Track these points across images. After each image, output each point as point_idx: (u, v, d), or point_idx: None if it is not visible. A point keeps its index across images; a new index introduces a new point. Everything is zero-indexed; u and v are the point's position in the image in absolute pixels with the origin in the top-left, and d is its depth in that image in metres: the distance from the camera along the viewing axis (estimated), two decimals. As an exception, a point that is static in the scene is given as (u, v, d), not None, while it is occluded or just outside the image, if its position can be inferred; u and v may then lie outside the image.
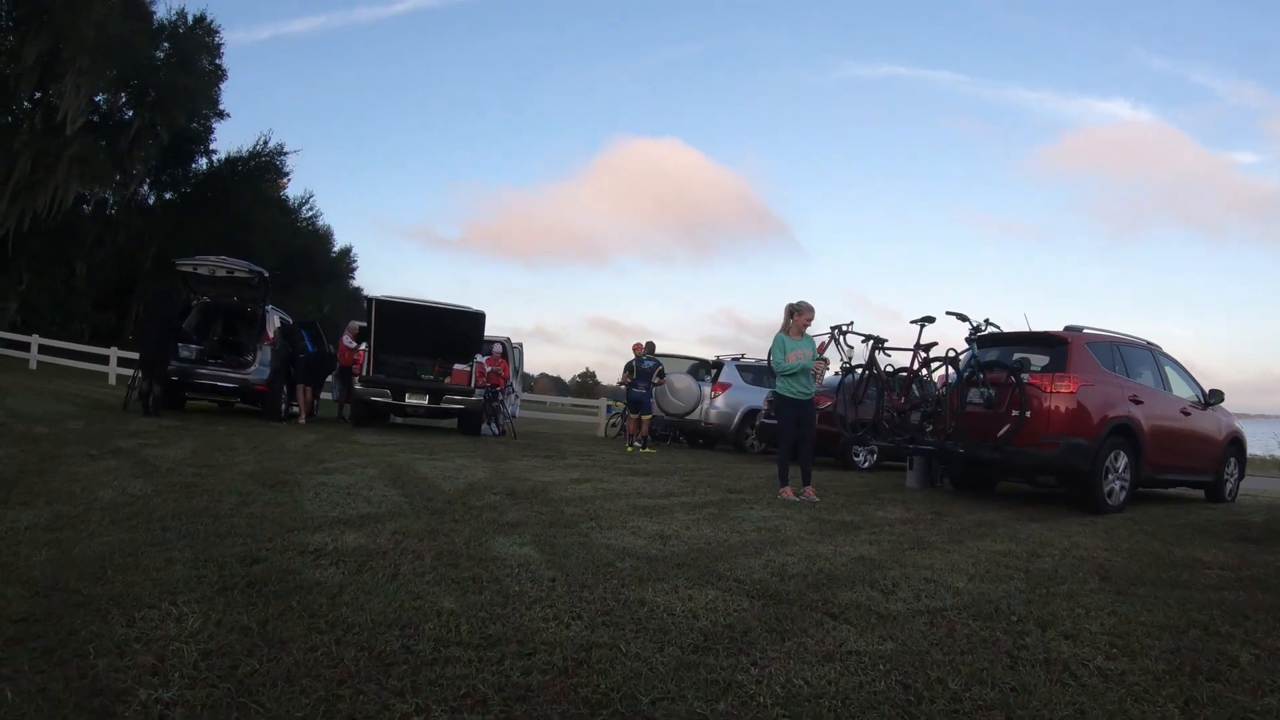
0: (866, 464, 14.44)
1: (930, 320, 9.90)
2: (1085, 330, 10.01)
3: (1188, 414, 10.93)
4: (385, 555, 4.89)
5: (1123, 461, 9.48)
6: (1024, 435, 8.93)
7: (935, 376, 10.47)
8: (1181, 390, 11.15)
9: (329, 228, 51.58)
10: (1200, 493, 12.26)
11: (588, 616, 3.97)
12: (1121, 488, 9.51)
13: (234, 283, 15.35)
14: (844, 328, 10.43)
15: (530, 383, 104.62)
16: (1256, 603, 5.19)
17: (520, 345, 21.06)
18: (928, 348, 10.07)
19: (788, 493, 8.75)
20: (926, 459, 10.90)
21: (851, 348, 10.39)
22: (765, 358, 13.79)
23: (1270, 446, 26.82)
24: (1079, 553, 6.54)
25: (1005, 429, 9.01)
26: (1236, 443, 12.29)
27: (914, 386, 10.40)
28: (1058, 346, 9.60)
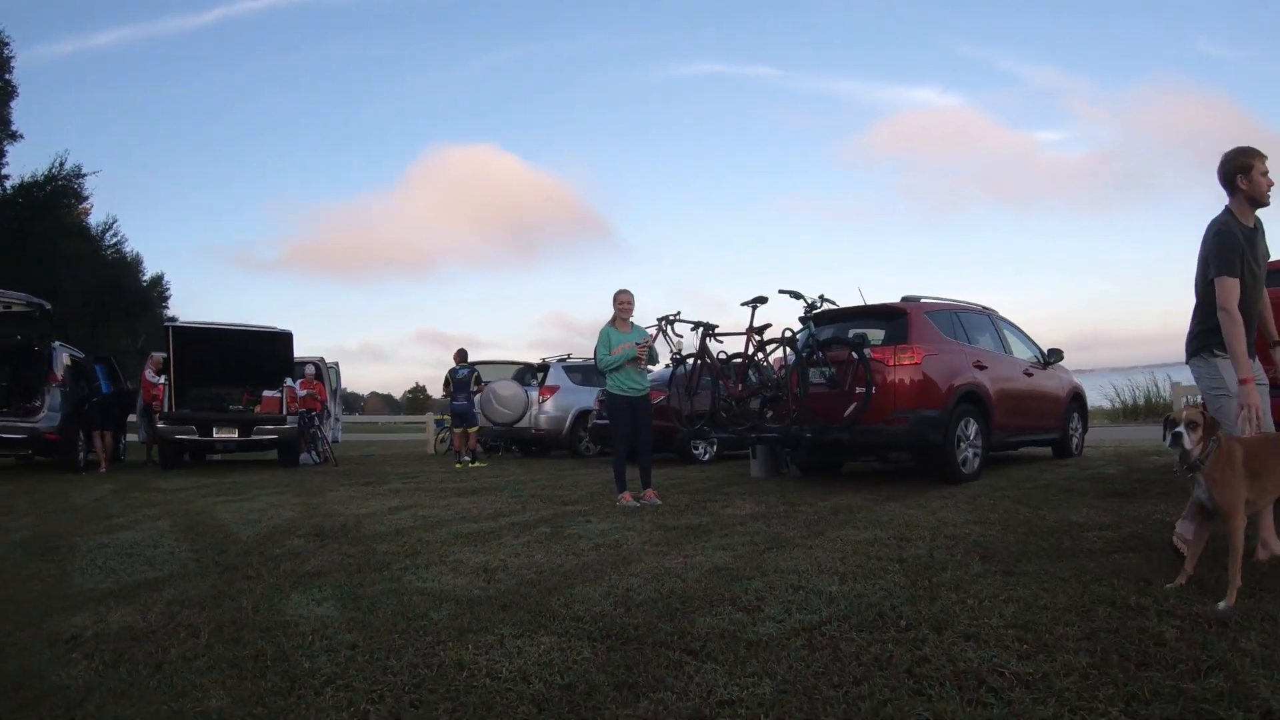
0: (707, 456, 13.92)
1: (762, 301, 9.36)
2: (922, 300, 9.72)
3: (1030, 375, 10.82)
4: (154, 636, 4.01)
5: (973, 428, 9.19)
6: (871, 412, 8.50)
7: (772, 359, 9.90)
8: (1021, 352, 11.03)
9: (138, 255, 48.46)
10: (1048, 450, 12.25)
11: (391, 697, 3.14)
12: (975, 455, 9.22)
13: (12, 318, 13.86)
14: (671, 318, 9.80)
15: (360, 403, 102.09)
16: (1152, 564, 4.77)
17: (336, 365, 19.93)
18: (761, 330, 9.52)
19: (627, 498, 8.12)
20: (770, 447, 10.39)
21: (680, 337, 9.79)
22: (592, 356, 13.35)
23: (1096, 399, 27.70)
24: (950, 531, 6.08)
25: (852, 408, 8.56)
26: (1078, 398, 12.39)
27: (750, 372, 9.85)
28: (897, 318, 9.23)
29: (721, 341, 9.98)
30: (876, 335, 9.13)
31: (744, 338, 9.63)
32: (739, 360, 9.76)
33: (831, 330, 9.40)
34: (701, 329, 9.82)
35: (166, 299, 52.63)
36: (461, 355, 15.42)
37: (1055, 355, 11.52)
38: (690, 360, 9.99)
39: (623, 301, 8.34)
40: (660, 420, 10.46)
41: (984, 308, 10.78)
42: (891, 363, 8.66)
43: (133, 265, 47.71)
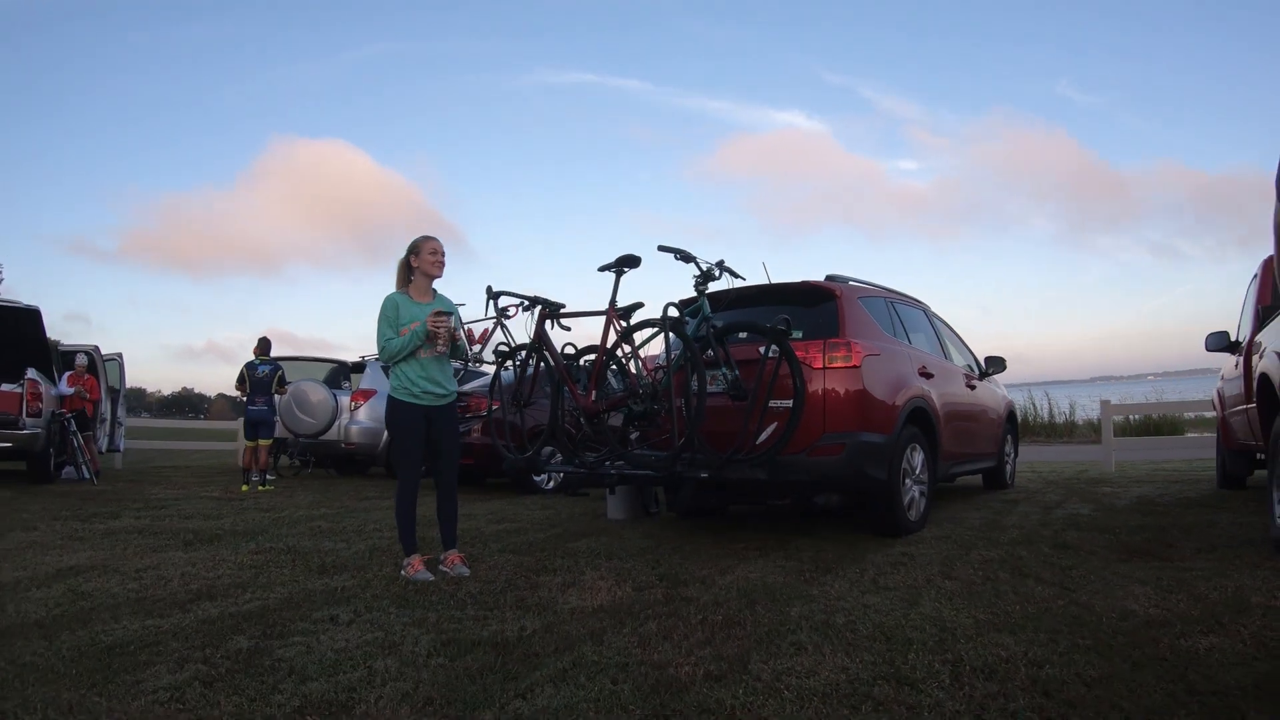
0: (551, 484, 10.59)
1: (630, 264, 6.14)
2: (851, 281, 7.13)
3: (973, 387, 8.43)
4: None
5: (919, 458, 6.65)
6: (794, 439, 5.78)
7: (643, 355, 6.50)
8: (958, 358, 8.62)
9: None
10: (976, 479, 10.09)
11: None
12: (921, 494, 6.70)
13: None
14: (495, 290, 6.71)
15: (206, 405, 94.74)
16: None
17: (118, 356, 16.13)
18: (629, 311, 6.33)
19: (416, 566, 5.23)
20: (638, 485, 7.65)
21: (506, 313, 6.82)
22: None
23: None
24: (969, 651, 3.52)
25: (769, 431, 5.78)
26: (1012, 418, 10.22)
27: (611, 373, 6.61)
28: (823, 302, 6.54)
29: (569, 329, 6.78)
30: (795, 333, 6.39)
31: (602, 323, 6.36)
32: (593, 356, 6.52)
33: (734, 317, 6.47)
34: (538, 309, 6.66)
35: (-3, 283, 47.00)
36: (263, 346, 12.11)
37: (995, 365, 9.24)
38: (523, 355, 6.90)
39: (431, 250, 5.44)
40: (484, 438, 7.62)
41: (915, 298, 8.29)
42: (820, 365, 6.00)
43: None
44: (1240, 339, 7.93)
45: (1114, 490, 9.36)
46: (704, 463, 5.73)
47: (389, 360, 5.28)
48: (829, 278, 6.90)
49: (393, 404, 5.34)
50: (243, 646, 3.70)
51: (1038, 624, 3.90)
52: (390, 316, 5.28)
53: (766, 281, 6.76)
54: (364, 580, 5.12)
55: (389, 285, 5.49)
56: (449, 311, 5.33)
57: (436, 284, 5.54)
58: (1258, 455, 8.15)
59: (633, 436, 6.72)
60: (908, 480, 6.45)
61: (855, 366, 6.00)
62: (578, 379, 6.51)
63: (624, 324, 6.14)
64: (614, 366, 6.37)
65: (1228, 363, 8.45)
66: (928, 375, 7.01)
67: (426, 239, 5.43)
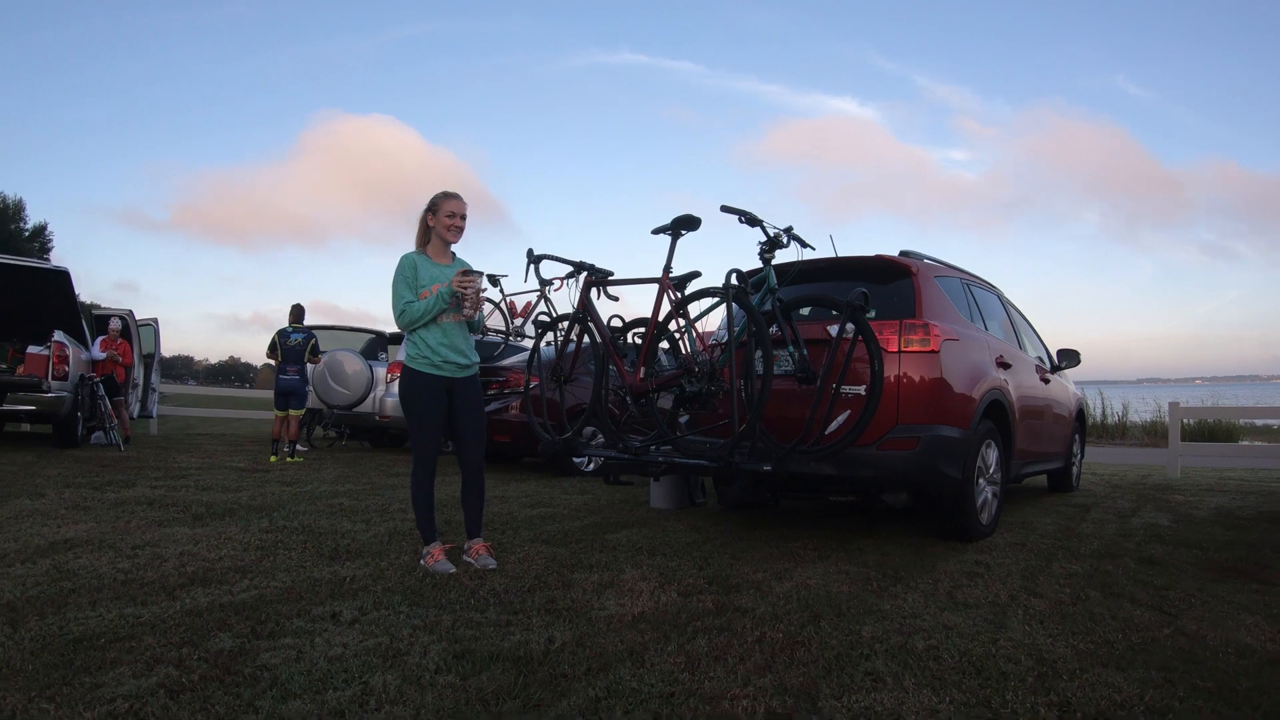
0: (591, 466, 10.10)
1: (688, 227, 5.47)
2: (927, 259, 6.52)
3: (1046, 381, 7.81)
4: None
5: (994, 456, 6.08)
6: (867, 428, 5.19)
7: (699, 331, 5.66)
8: (1032, 349, 8.00)
9: (20, 200, 43.39)
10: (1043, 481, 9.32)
11: None
12: (994, 495, 6.13)
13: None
14: (536, 254, 6.19)
15: (252, 374, 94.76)
16: None
17: (153, 321, 15.76)
18: (684, 281, 5.64)
19: (437, 555, 4.70)
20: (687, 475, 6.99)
21: (550, 283, 6.22)
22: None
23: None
24: (1072, 685, 3.00)
25: (841, 419, 5.20)
26: (1082, 417, 9.57)
27: (661, 349, 5.94)
28: (897, 280, 5.94)
29: (617, 298, 6.07)
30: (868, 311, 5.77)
31: (654, 292, 5.63)
32: (643, 330, 5.84)
33: (805, 292, 5.95)
34: (583, 276, 6.01)
35: (49, 250, 47.47)
36: (297, 313, 11.67)
37: (1068, 359, 8.64)
38: (564, 327, 6.28)
39: (449, 213, 4.81)
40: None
41: (989, 282, 7.67)
42: (895, 348, 5.42)
43: (12, 212, 42.78)
44: None
45: (1187, 500, 8.73)
46: (765, 453, 5.15)
47: (409, 326, 4.70)
48: (903, 253, 6.29)
49: (409, 374, 4.77)
50: (225, 647, 3.19)
51: (1147, 658, 3.36)
52: (409, 278, 4.71)
53: (834, 255, 6.15)
54: (377, 569, 4.60)
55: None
56: (478, 272, 4.76)
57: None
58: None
59: (681, 420, 6.17)
60: (981, 480, 5.88)
61: (934, 351, 5.41)
62: (625, 354, 5.94)
63: (679, 294, 5.53)
64: (666, 342, 5.76)
65: None
66: (1005, 365, 6.41)
67: (446, 197, 4.82)
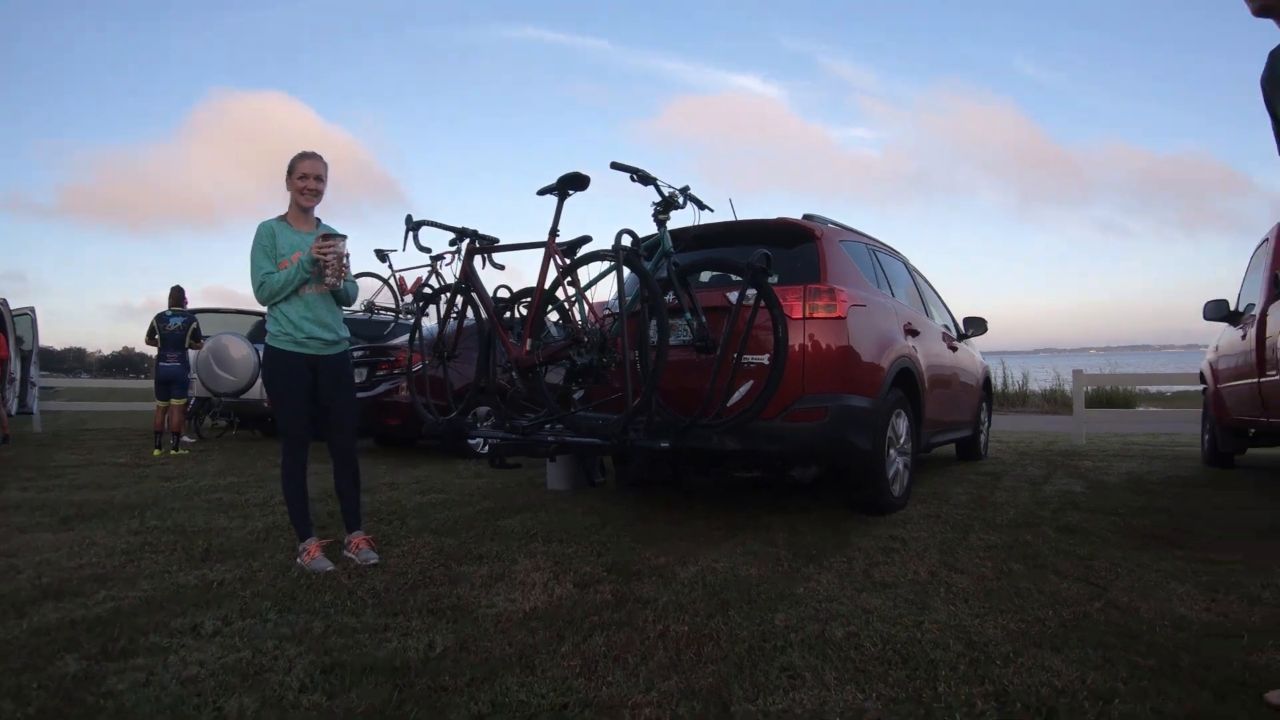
0: (486, 447, 9.23)
1: (575, 187, 4.96)
2: (831, 223, 6.22)
3: (954, 349, 7.64)
4: None
5: (904, 426, 5.83)
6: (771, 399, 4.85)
7: (591, 300, 5.23)
8: (938, 317, 7.81)
9: None
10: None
11: None
12: (905, 466, 5.89)
13: None
14: (415, 220, 5.49)
15: (146, 364, 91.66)
16: None
17: (30, 311, 14.78)
18: (573, 246, 5.23)
19: (313, 552, 4.27)
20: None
21: (441, 258, 5.81)
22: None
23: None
24: (1007, 671, 2.72)
25: (747, 389, 4.89)
26: (988, 385, 9.49)
27: (549, 319, 5.50)
28: (801, 244, 5.61)
29: (503, 267, 5.57)
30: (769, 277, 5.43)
31: (540, 257, 5.16)
32: (529, 300, 5.33)
33: (702, 257, 5.46)
34: (466, 241, 5.52)
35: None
36: (176, 296, 10.97)
37: (975, 327, 8.50)
38: (446, 298, 5.79)
39: (303, 174, 4.38)
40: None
41: (894, 249, 7.43)
42: (800, 315, 5.10)
43: None
44: (1241, 309, 7.29)
45: (1096, 465, 8.68)
46: (663, 429, 4.79)
47: (269, 299, 4.26)
48: (806, 217, 5.98)
49: (271, 354, 4.33)
50: (69, 671, 2.74)
51: (1082, 636, 3.12)
52: (267, 247, 4.27)
53: (734, 219, 5.81)
54: (249, 571, 4.14)
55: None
56: (341, 235, 4.34)
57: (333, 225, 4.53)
58: (1251, 432, 7.68)
59: (576, 396, 5.79)
60: (892, 451, 5.62)
61: (840, 318, 5.11)
62: (511, 327, 5.52)
63: (566, 260, 5.12)
64: (556, 312, 5.35)
65: (1226, 335, 7.79)
66: (913, 333, 6.18)
67: (302, 157, 4.39)
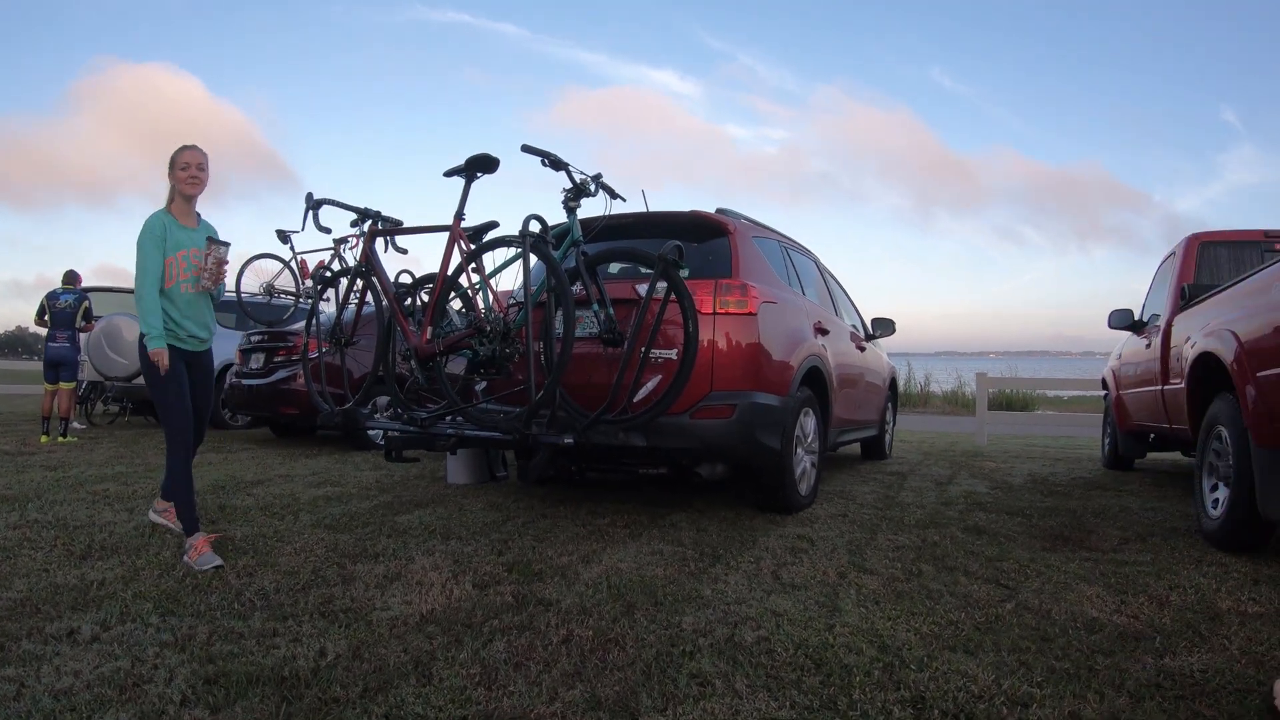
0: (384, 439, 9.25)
1: (484, 169, 4.80)
2: (744, 219, 6.14)
3: (862, 349, 7.66)
4: None
5: (812, 424, 5.79)
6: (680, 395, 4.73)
7: (493, 286, 5.08)
8: (846, 317, 7.82)
9: None
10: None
11: None
12: (812, 465, 5.86)
13: None
14: (316, 199, 5.43)
15: (39, 345, 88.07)
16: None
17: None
18: (480, 232, 5.11)
19: (200, 548, 4.05)
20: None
21: (345, 240, 5.62)
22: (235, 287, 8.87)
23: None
24: (923, 677, 2.65)
25: (653, 385, 4.77)
26: (894, 385, 9.57)
27: (452, 307, 5.28)
28: (713, 238, 5.52)
29: (405, 251, 5.54)
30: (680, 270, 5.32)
31: (445, 242, 4.93)
32: (429, 288, 5.23)
33: (610, 248, 5.26)
34: (368, 223, 5.37)
35: None
36: (70, 277, 10.49)
37: (882, 328, 8.59)
38: (345, 282, 5.58)
39: (184, 164, 4.33)
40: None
41: (806, 247, 7.41)
42: (710, 310, 5.00)
43: None
44: (1145, 319, 7.48)
45: (1000, 466, 8.83)
46: (567, 424, 4.64)
47: (141, 298, 4.21)
48: (720, 211, 5.89)
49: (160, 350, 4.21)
50: None
51: (996, 640, 3.08)
52: (158, 238, 4.22)
53: (645, 210, 5.69)
54: (133, 569, 3.89)
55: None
56: (224, 243, 4.38)
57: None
58: (1151, 438, 7.84)
59: (478, 388, 5.61)
60: (799, 449, 5.57)
61: (751, 314, 5.03)
62: (412, 313, 5.33)
63: (470, 246, 4.93)
64: (460, 299, 5.17)
65: (1130, 343, 7.96)
66: (823, 331, 6.15)
67: (183, 149, 4.38)
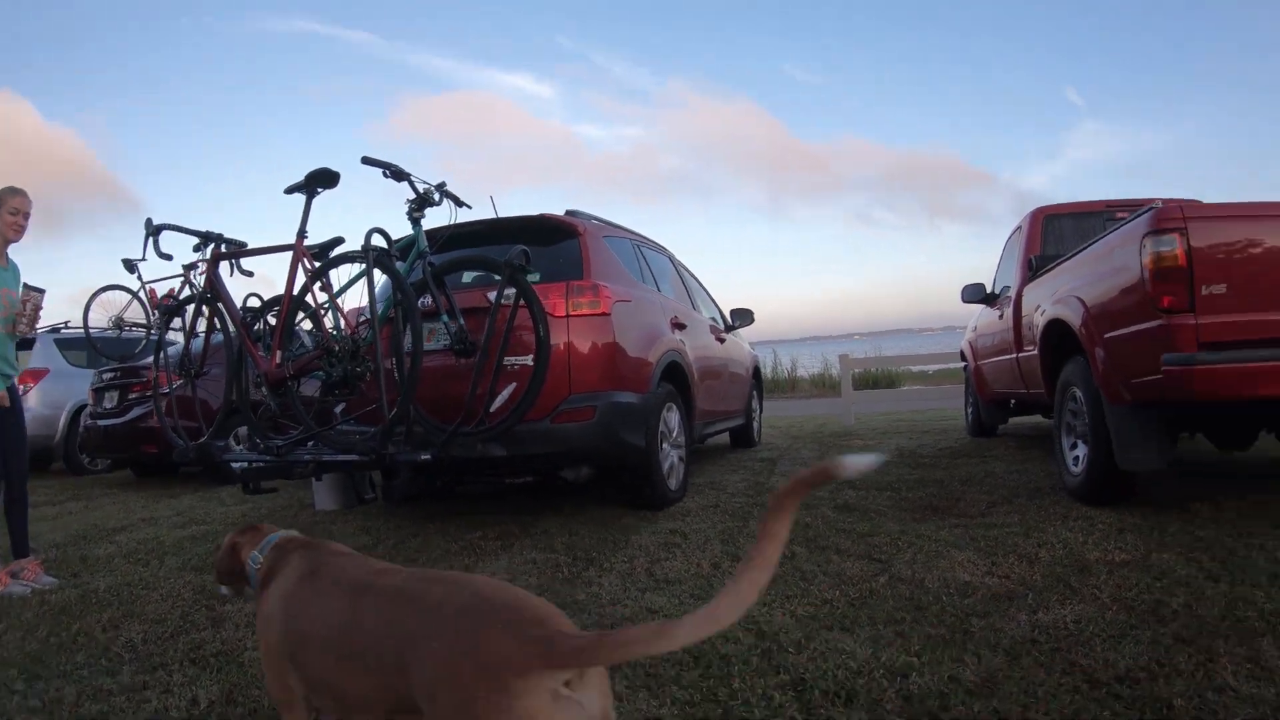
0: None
1: (325, 184, 4.74)
2: (594, 219, 6.17)
3: (722, 341, 7.78)
4: None
5: (675, 419, 5.85)
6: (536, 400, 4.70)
7: (339, 305, 4.92)
8: (705, 310, 7.94)
9: None
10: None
11: None
12: (680, 459, 5.91)
13: None
14: (156, 224, 5.21)
15: None
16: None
17: None
18: (326, 249, 4.97)
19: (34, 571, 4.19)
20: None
21: (194, 267, 5.48)
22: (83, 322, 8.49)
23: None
24: (802, 658, 2.72)
25: (506, 394, 4.71)
26: (757, 373, 9.75)
27: (300, 330, 5.17)
28: (563, 240, 5.53)
29: (251, 274, 5.33)
30: (531, 275, 5.30)
31: (289, 261, 4.85)
32: (277, 310, 5.06)
33: (450, 256, 5.19)
34: (211, 246, 5.19)
35: None
36: None
37: (741, 318, 8.76)
38: (193, 309, 5.46)
39: (13, 209, 4.46)
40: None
41: (659, 244, 7.48)
42: (562, 313, 5.00)
43: None
44: (998, 291, 7.79)
45: (867, 444, 9.07)
46: (425, 440, 4.59)
47: None
48: (569, 212, 5.91)
49: None
50: None
51: (871, 614, 3.16)
52: None
53: (494, 216, 5.66)
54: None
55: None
56: (40, 289, 4.50)
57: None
58: (1012, 404, 8.12)
59: (337, 409, 5.49)
60: (665, 444, 5.62)
61: (605, 314, 5.06)
62: (262, 338, 5.19)
63: (313, 265, 4.82)
64: (310, 320, 5.04)
65: (984, 315, 8.27)
66: (680, 326, 6.23)
67: (11, 192, 4.47)
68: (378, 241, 4.61)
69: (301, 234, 4.78)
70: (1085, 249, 5.18)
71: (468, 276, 5.45)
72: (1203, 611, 2.93)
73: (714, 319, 8.08)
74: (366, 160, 4.71)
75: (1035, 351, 5.94)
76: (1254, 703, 2.25)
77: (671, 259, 7.55)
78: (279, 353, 4.83)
